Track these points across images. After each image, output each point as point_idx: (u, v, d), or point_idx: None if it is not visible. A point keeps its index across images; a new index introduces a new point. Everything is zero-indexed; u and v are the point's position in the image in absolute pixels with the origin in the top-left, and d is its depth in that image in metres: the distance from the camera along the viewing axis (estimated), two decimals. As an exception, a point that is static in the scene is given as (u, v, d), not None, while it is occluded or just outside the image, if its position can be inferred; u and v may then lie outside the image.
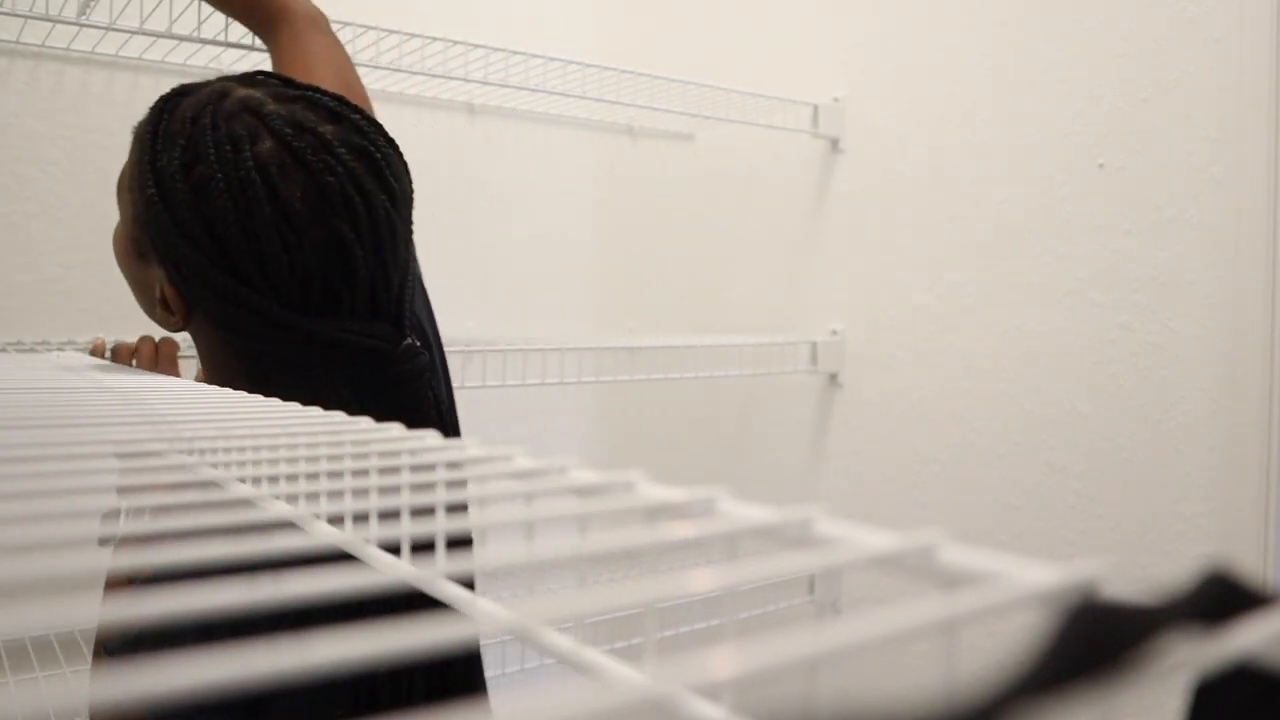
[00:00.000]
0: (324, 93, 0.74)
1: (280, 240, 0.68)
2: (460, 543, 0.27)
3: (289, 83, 0.75)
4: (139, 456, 0.31)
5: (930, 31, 1.40)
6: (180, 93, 0.74)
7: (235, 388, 0.70)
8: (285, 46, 0.94)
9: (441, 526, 0.26)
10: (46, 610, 0.15)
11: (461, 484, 0.31)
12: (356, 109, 0.74)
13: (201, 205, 0.68)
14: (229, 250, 0.68)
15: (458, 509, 0.28)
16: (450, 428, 0.80)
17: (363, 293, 0.72)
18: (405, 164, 0.76)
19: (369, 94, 1.00)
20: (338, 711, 0.66)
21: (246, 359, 0.74)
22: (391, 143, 0.75)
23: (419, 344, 0.75)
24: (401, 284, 0.75)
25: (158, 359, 0.95)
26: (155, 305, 0.75)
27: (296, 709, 0.65)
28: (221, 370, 0.75)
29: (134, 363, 0.95)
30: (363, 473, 0.31)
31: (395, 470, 0.31)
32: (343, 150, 0.70)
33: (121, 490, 0.26)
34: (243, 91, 0.72)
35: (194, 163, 0.68)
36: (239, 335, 0.72)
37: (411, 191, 0.77)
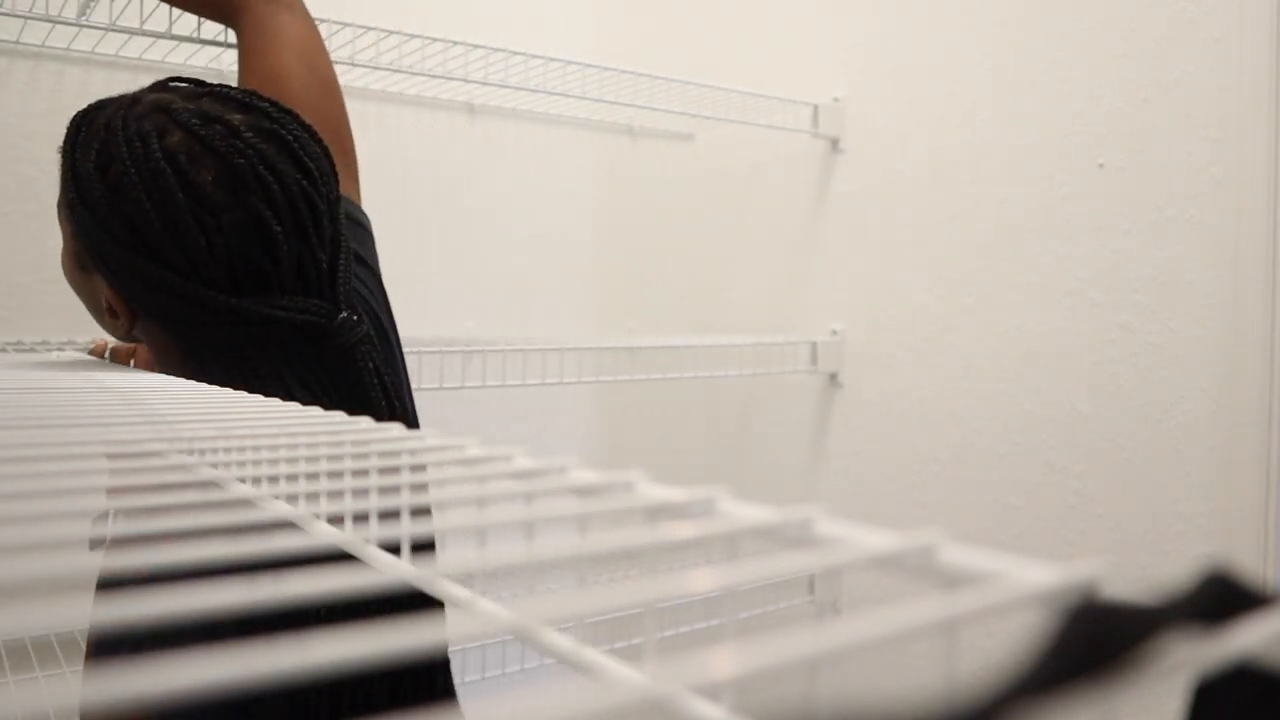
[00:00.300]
0: (233, 88, 0.77)
1: (198, 224, 0.70)
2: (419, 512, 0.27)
3: (199, 84, 0.77)
4: (129, 457, 0.31)
5: (930, 31, 1.40)
6: (96, 107, 0.77)
7: None
8: (249, 33, 0.95)
9: (441, 526, 0.26)
10: (46, 610, 0.15)
11: (460, 481, 0.31)
12: (268, 100, 0.76)
13: (118, 201, 0.71)
14: (150, 240, 0.70)
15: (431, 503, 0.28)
16: (400, 410, 0.80)
17: (289, 269, 0.73)
18: (325, 147, 0.78)
19: (368, 92, 1.00)
20: (311, 711, 0.67)
21: (189, 351, 0.75)
22: (307, 127, 0.77)
23: (356, 317, 0.76)
24: (333, 260, 0.76)
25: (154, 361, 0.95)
26: (103, 314, 0.78)
27: (279, 710, 0.65)
28: (171, 370, 0.76)
29: (132, 363, 0.95)
30: (363, 473, 0.31)
31: (395, 470, 0.31)
32: (250, 135, 0.72)
33: (110, 491, 0.26)
34: (152, 96, 0.75)
35: (108, 163, 0.71)
36: (177, 325, 0.74)
37: (333, 172, 0.78)
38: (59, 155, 0.78)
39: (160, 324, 0.75)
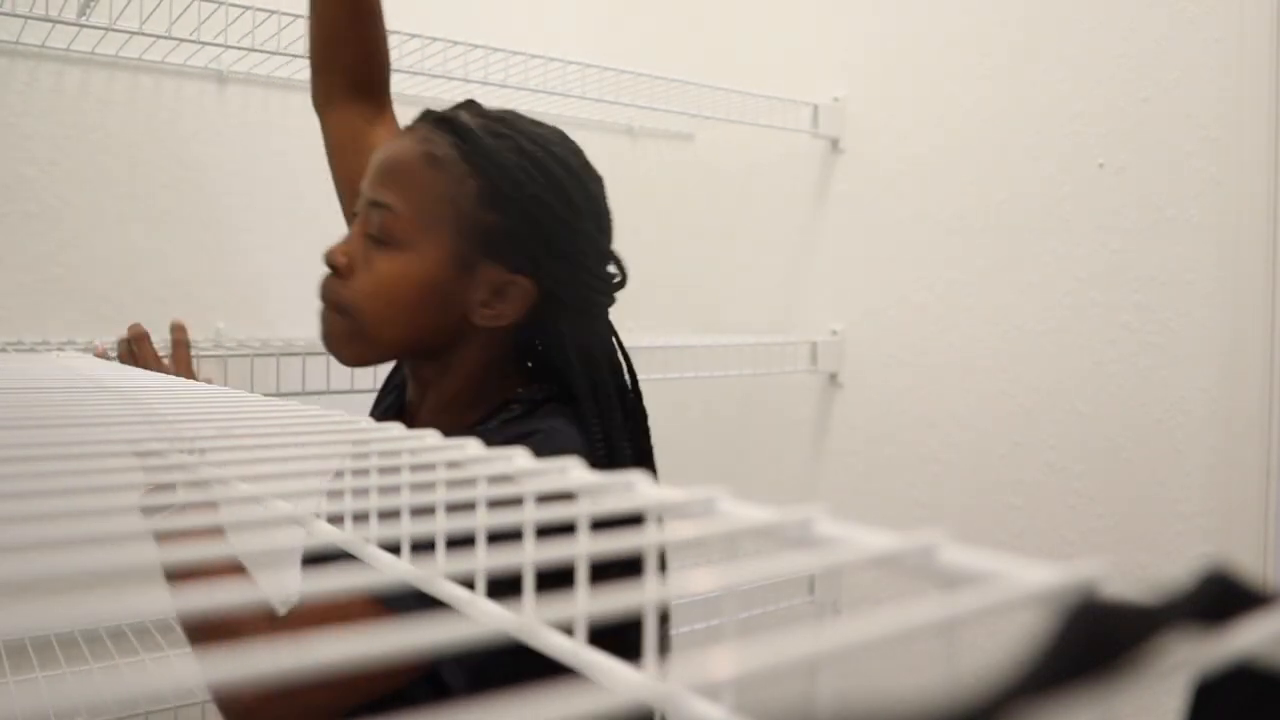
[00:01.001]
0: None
1: (606, 235, 0.86)
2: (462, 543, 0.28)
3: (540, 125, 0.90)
4: (138, 456, 0.31)
5: (930, 31, 1.40)
6: (497, 118, 0.85)
7: (501, 394, 0.83)
8: (375, 126, 0.99)
9: (441, 526, 0.26)
10: (47, 610, 0.15)
11: (462, 484, 0.31)
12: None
13: (593, 205, 0.85)
14: (600, 245, 0.85)
15: (458, 508, 0.28)
16: None
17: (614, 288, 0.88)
18: None
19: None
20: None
21: (535, 354, 0.88)
22: None
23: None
24: None
25: (149, 362, 0.95)
26: (475, 308, 0.82)
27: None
28: (494, 377, 0.85)
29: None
30: (362, 473, 0.31)
31: (395, 470, 0.31)
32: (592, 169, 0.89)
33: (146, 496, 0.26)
34: (536, 124, 0.87)
35: (581, 168, 0.86)
36: (569, 326, 0.84)
37: None
38: (423, 162, 0.81)
39: (553, 319, 0.83)
